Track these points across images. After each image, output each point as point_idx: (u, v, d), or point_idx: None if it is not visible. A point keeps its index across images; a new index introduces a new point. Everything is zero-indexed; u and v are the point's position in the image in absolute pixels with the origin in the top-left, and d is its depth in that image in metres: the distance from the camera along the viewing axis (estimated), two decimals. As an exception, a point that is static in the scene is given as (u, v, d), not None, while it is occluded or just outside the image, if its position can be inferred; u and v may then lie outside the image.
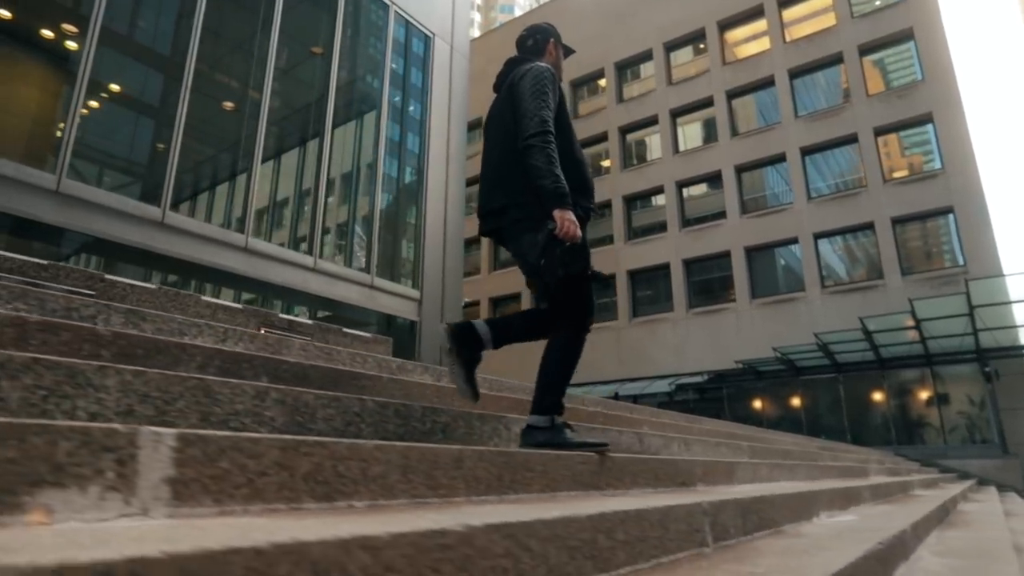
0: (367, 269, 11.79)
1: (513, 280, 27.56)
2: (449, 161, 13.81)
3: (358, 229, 12.20)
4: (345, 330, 4.90)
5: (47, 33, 8.18)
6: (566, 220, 2.16)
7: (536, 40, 2.71)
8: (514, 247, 2.42)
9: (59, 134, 7.70)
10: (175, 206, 8.84)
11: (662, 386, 22.48)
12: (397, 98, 13.57)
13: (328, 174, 11.34)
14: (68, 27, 8.08)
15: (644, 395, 23.15)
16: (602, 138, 27.00)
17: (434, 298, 12.94)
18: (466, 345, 2.24)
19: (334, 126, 11.58)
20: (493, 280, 28.38)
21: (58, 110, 7.83)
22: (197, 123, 9.52)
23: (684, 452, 3.37)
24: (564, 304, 2.38)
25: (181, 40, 9.25)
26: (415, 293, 12.61)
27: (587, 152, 25.50)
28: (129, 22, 9.15)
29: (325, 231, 11.42)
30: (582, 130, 27.38)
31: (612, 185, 26.07)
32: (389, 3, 13.10)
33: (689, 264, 23.83)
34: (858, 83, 21.82)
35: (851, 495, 3.21)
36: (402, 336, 12.67)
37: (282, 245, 10.65)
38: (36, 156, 7.56)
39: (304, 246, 10.88)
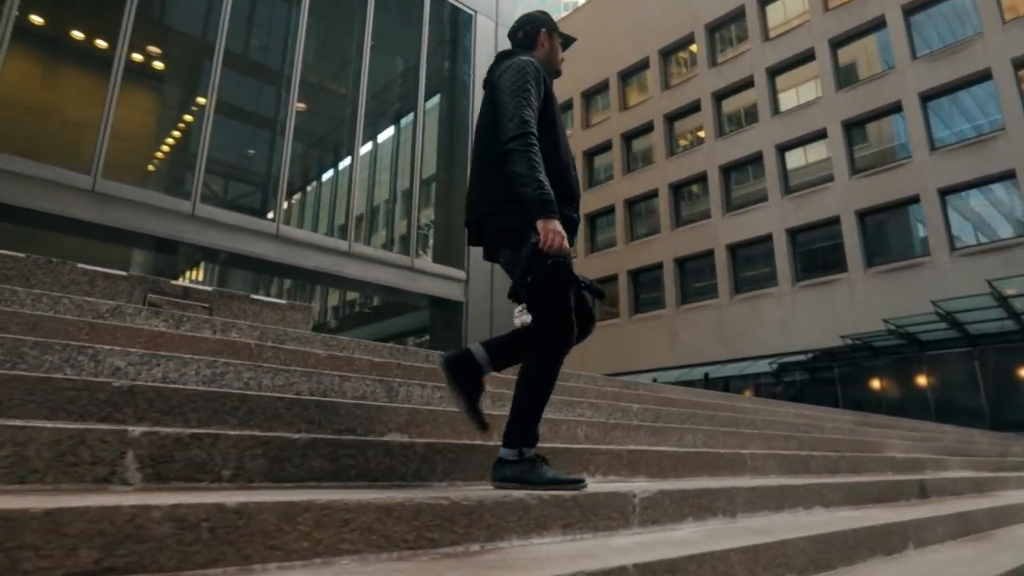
0: (406, 251, 11.96)
1: (612, 262, 26.88)
2: (497, 139, 13.60)
3: (397, 211, 12.43)
4: (254, 296, 4.93)
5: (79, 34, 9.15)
6: (549, 231, 1.96)
7: (526, 32, 2.46)
8: (502, 262, 2.24)
9: (95, 135, 8.53)
10: (206, 198, 9.50)
11: (763, 367, 20.81)
12: (438, 79, 13.63)
13: (363, 157, 11.63)
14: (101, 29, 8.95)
15: (743, 376, 21.61)
16: (695, 107, 25.40)
17: (482, 277, 12.84)
18: (463, 376, 2.07)
19: (368, 110, 11.84)
20: (590, 262, 27.79)
21: (93, 111, 8.67)
22: (226, 110, 10.16)
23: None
24: (540, 322, 2.12)
25: (210, 22, 9.91)
26: (460, 274, 12.59)
27: (681, 124, 24.33)
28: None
29: (361, 214, 11.75)
30: (672, 101, 26.05)
31: (707, 156, 24.48)
32: (425, -16, 13.16)
33: (794, 234, 21.79)
34: (990, 9, 18.65)
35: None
36: (452, 318, 12.76)
37: (321, 232, 11.11)
38: (73, 158, 8.45)
39: (339, 231, 11.25)
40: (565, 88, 30.35)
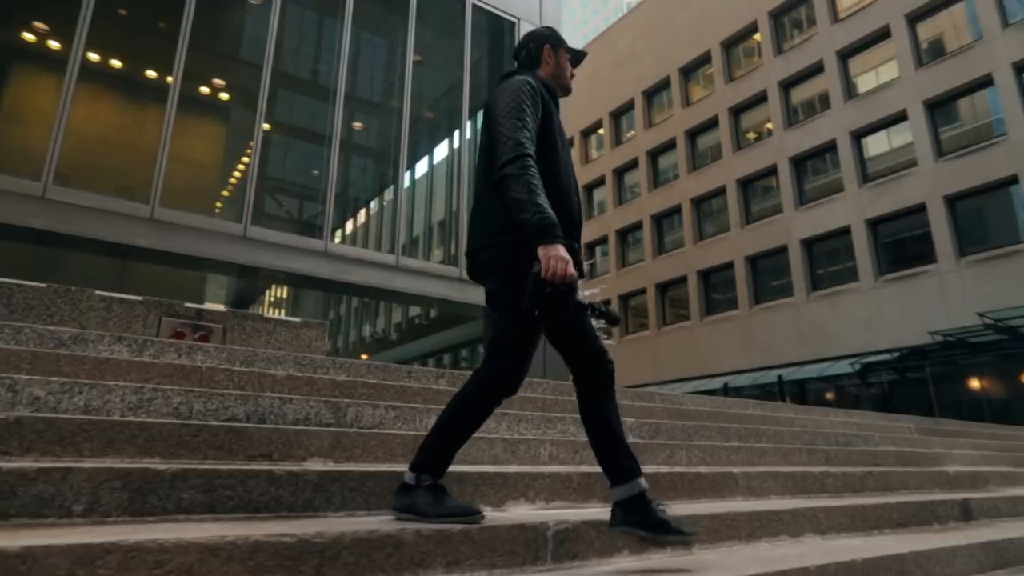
0: (456, 263, 12.02)
1: (681, 263, 26.10)
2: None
3: (444, 224, 12.52)
4: (267, 316, 5.03)
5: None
6: (551, 257, 1.80)
7: (529, 50, 2.32)
8: (485, 292, 2.13)
9: (153, 165, 9.08)
10: (256, 220, 9.90)
11: (844, 368, 19.52)
12: (484, 90, 13.68)
13: (407, 171, 11.78)
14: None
15: (823, 378, 20.37)
16: (761, 99, 24.33)
17: (533, 287, 12.72)
18: (631, 518, 1.90)
19: (414, 125, 12.01)
20: (657, 265, 27.09)
21: (151, 142, 9.22)
22: (273, 131, 10.57)
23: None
24: (494, 349, 1.99)
25: (257, 45, 10.35)
26: (511, 284, 12.52)
27: (747, 117, 23.31)
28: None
29: (410, 228, 11.91)
30: (737, 94, 25.08)
31: (776, 148, 23.37)
32: (463, -5, 13.28)
33: (874, 225, 20.38)
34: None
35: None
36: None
37: (372, 248, 11.37)
38: (132, 189, 9.01)
39: (387, 245, 11.45)
40: (625, 90, 29.89)
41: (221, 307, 4.94)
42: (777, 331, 22.38)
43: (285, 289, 16.40)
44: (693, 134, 26.92)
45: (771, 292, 23.17)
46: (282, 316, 5.13)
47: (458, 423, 1.94)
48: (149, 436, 1.96)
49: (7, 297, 4.17)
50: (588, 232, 31.03)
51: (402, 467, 2.29)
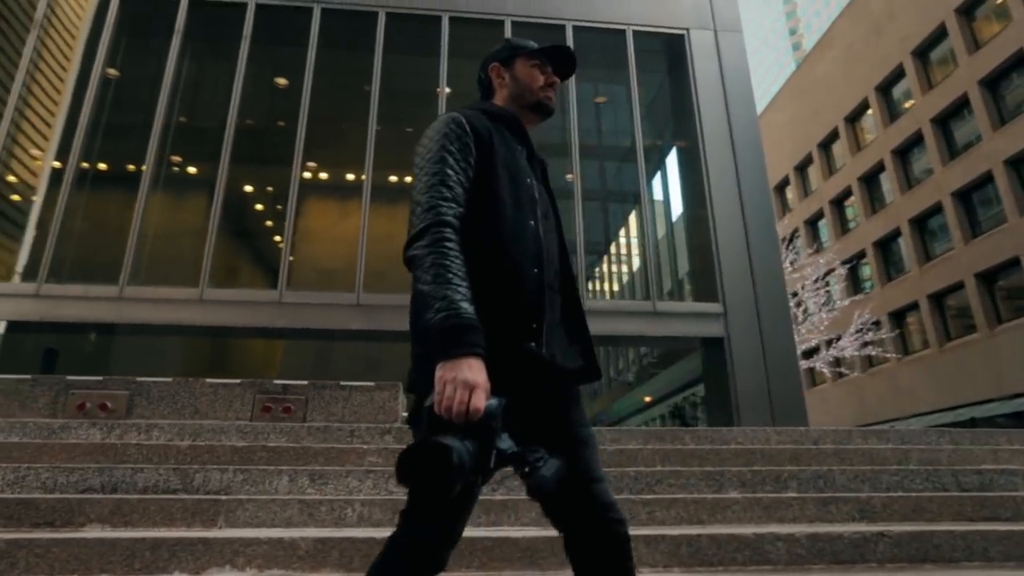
0: (647, 296, 11.49)
1: (1005, 243, 20.67)
2: (735, 146, 12.26)
3: (631, 258, 12.13)
4: (343, 383, 5.58)
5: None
6: (447, 382, 1.19)
7: (479, 78, 1.80)
8: None
9: (356, 258, 10.81)
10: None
11: None
12: (662, 110, 13.15)
13: (583, 212, 11.76)
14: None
15: None
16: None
17: (744, 307, 11.38)
18: None
19: (583, 163, 12.06)
20: (972, 252, 21.75)
21: (353, 237, 10.99)
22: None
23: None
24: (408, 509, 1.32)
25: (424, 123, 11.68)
26: (715, 307, 11.40)
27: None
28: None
29: (590, 269, 11.82)
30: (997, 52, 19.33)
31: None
32: (624, 26, 13.13)
33: None
34: None
35: None
36: (719, 355, 11.60)
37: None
38: (345, 282, 10.81)
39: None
40: (891, 56, 25.46)
41: (303, 381, 5.66)
42: None
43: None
44: (990, 83, 21.43)
45: None
46: (357, 383, 5.64)
47: None
48: (-48, 509, 2.48)
49: (147, 392, 5.47)
50: (873, 228, 26.49)
51: (179, 532, 2.44)
